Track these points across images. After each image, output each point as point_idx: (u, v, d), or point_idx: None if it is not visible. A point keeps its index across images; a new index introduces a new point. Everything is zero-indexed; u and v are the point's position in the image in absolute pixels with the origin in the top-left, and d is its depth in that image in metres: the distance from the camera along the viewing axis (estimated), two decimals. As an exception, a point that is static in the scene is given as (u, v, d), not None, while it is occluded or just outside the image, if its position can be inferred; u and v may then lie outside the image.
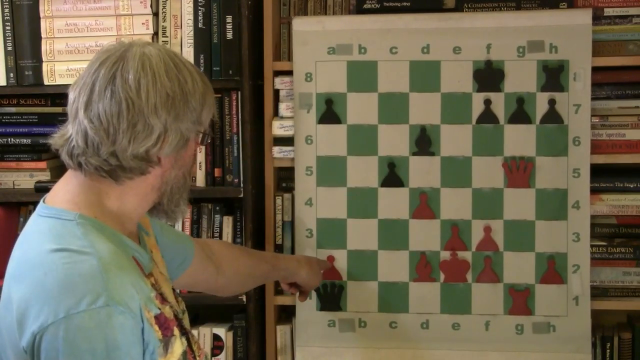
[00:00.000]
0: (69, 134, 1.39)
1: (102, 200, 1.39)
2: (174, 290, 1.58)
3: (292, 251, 2.24)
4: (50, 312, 1.26)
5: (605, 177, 2.19)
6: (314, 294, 2.23)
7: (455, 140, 2.18)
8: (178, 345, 1.41)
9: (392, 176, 2.20)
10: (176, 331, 1.41)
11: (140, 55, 1.37)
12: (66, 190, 1.41)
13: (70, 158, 1.39)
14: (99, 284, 1.28)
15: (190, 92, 1.39)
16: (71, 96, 1.39)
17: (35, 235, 1.38)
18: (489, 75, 2.16)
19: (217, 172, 2.22)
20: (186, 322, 1.55)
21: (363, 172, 2.20)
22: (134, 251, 1.42)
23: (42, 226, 1.38)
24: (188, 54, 2.17)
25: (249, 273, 1.95)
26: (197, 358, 1.51)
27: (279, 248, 2.25)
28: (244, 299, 2.20)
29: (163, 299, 1.43)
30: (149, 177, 1.40)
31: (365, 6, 2.23)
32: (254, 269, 1.96)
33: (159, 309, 1.37)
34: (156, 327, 1.35)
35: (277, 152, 2.23)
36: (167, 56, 1.39)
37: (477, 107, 2.17)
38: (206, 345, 2.23)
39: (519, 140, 2.16)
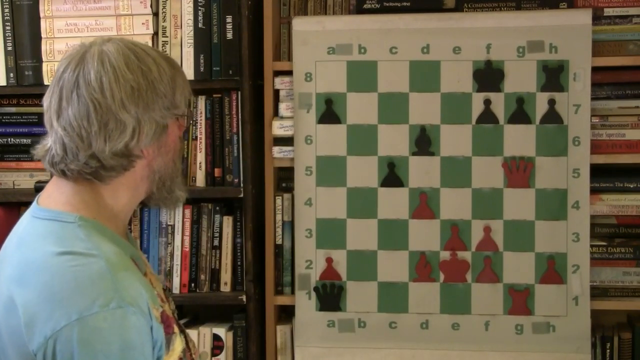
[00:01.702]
0: (48, 145, 1.40)
1: (97, 200, 1.39)
2: (164, 289, 1.59)
3: (292, 251, 2.24)
4: (62, 315, 1.27)
5: (605, 177, 2.19)
6: (313, 294, 2.23)
7: (455, 140, 2.18)
8: (179, 343, 1.42)
9: (392, 176, 2.20)
10: (176, 329, 1.42)
11: (99, 53, 1.37)
12: (60, 192, 1.40)
13: (52, 166, 1.39)
14: (109, 285, 1.29)
15: (156, 79, 1.38)
16: (45, 105, 1.40)
17: (35, 238, 1.37)
18: (489, 75, 2.16)
19: (217, 172, 2.22)
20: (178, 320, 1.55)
21: (363, 172, 2.20)
22: (131, 252, 1.42)
23: (41, 229, 1.37)
24: (188, 54, 2.18)
25: None
26: (193, 356, 1.51)
27: (278, 248, 2.25)
28: (244, 299, 2.20)
29: (161, 299, 1.44)
30: (136, 170, 1.40)
31: (365, 6, 2.23)
32: None
33: (162, 306, 1.39)
34: (161, 325, 1.36)
35: (277, 152, 2.23)
36: (127, 49, 1.38)
37: (477, 107, 2.17)
38: (206, 345, 2.23)
39: (519, 140, 2.16)
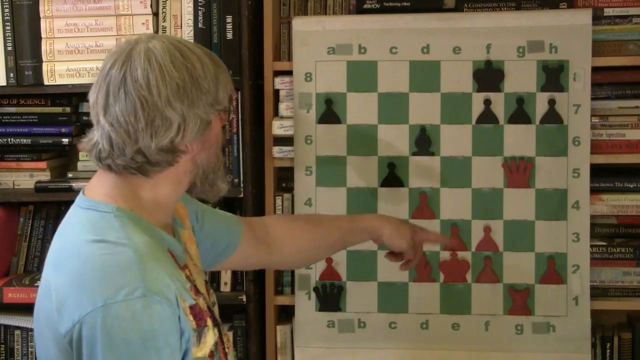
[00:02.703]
0: (95, 139, 1.43)
1: (137, 193, 1.43)
2: (206, 282, 1.62)
3: (292, 251, 2.24)
4: (89, 301, 1.30)
5: (605, 177, 2.19)
6: (313, 294, 2.23)
7: (455, 140, 2.18)
8: (211, 336, 1.44)
9: (392, 176, 2.20)
10: (209, 322, 1.45)
11: (145, 51, 1.39)
12: (102, 184, 1.45)
13: (99, 161, 1.43)
14: (136, 274, 1.32)
15: (200, 76, 1.41)
16: (91, 100, 1.43)
17: (74, 226, 1.42)
18: (488, 75, 2.16)
19: (217, 172, 2.22)
20: (217, 314, 1.58)
21: (363, 172, 2.20)
22: (169, 243, 1.46)
23: (81, 217, 1.42)
24: (188, 54, 2.17)
25: (315, 246, 1.88)
26: (227, 349, 1.53)
27: (278, 248, 2.25)
28: (244, 299, 2.20)
29: (197, 291, 1.46)
30: (179, 165, 1.43)
31: (365, 6, 2.23)
32: (321, 240, 1.88)
33: (194, 299, 1.41)
34: (190, 317, 1.38)
35: (277, 152, 2.23)
36: (172, 46, 1.41)
37: (477, 107, 2.17)
38: (206, 345, 2.23)
39: (519, 140, 2.16)
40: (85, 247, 1.36)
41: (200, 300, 1.45)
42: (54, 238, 1.46)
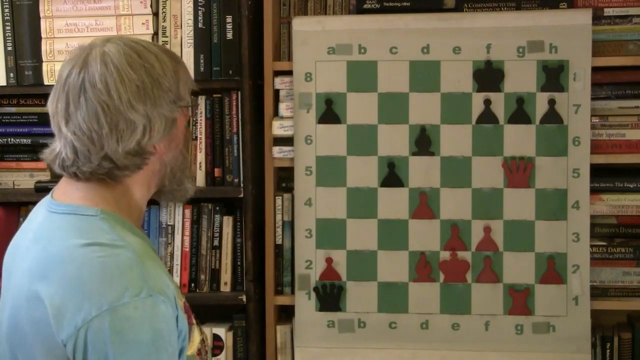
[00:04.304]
0: (57, 149, 1.40)
1: (114, 196, 1.41)
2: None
3: (292, 251, 2.23)
4: (92, 306, 1.28)
5: (605, 177, 2.19)
6: (313, 294, 2.23)
7: (455, 140, 2.18)
8: (197, 334, 1.45)
9: (392, 176, 2.20)
10: (194, 320, 1.46)
11: (101, 55, 1.37)
12: (76, 188, 1.41)
13: (63, 170, 1.40)
14: (138, 275, 1.31)
15: (160, 74, 1.39)
16: (50, 110, 1.41)
17: (55, 232, 1.38)
18: (488, 75, 2.16)
19: (217, 172, 2.22)
20: None
21: (363, 172, 2.20)
22: (145, 242, 1.43)
23: (61, 223, 1.38)
24: (188, 54, 2.17)
25: None
26: (206, 348, 1.53)
27: (278, 248, 2.25)
28: (244, 299, 2.20)
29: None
30: (148, 167, 1.42)
31: (365, 6, 2.23)
32: None
33: (183, 296, 1.43)
34: (185, 315, 1.39)
35: (277, 152, 2.23)
36: (128, 47, 1.39)
37: (477, 107, 2.17)
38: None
39: (519, 140, 2.16)
40: (78, 252, 1.33)
41: (183, 298, 1.45)
42: (29, 246, 1.40)
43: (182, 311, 1.38)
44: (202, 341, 1.49)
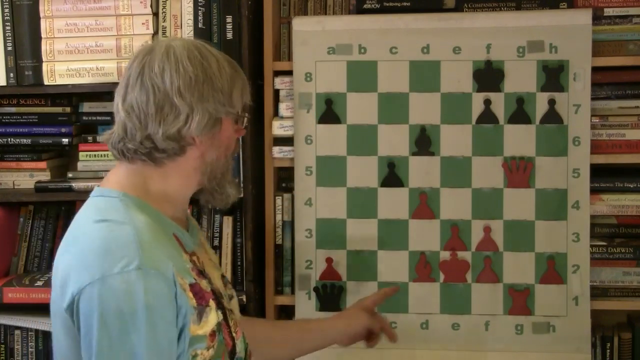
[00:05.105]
0: (113, 129, 1.53)
1: (146, 183, 1.51)
2: (223, 277, 1.68)
3: (292, 251, 2.23)
4: (88, 275, 1.38)
5: (605, 177, 2.19)
6: (313, 294, 2.23)
7: (455, 140, 2.18)
8: (213, 316, 1.50)
9: (392, 176, 2.20)
10: (212, 303, 1.50)
11: (166, 47, 1.50)
12: (115, 175, 1.54)
13: (113, 147, 1.52)
14: (133, 249, 1.39)
15: (214, 74, 1.50)
16: (115, 94, 1.53)
17: (82, 212, 1.51)
18: (488, 75, 2.16)
19: (217, 172, 2.22)
20: (234, 306, 1.64)
21: (363, 172, 2.20)
22: (175, 229, 1.52)
23: (89, 204, 1.52)
24: (188, 54, 2.17)
25: (288, 354, 1.94)
26: (235, 334, 1.57)
27: (278, 248, 2.25)
28: (244, 299, 2.20)
29: (201, 275, 1.52)
30: (189, 159, 1.51)
31: (365, 6, 2.23)
32: (294, 350, 1.93)
33: (195, 279, 1.48)
34: (190, 295, 1.45)
35: (277, 152, 2.23)
36: (192, 45, 1.51)
37: (477, 107, 2.17)
38: (206, 345, 2.23)
39: (519, 140, 2.16)
40: (89, 227, 1.44)
41: (204, 282, 1.50)
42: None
43: (184, 289, 1.43)
44: (223, 325, 1.52)
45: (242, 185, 2.20)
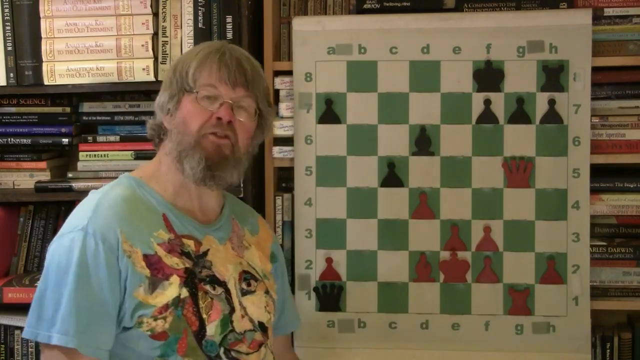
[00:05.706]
0: None
1: (156, 168, 1.66)
2: (242, 272, 1.68)
3: (292, 251, 2.23)
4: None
5: (605, 177, 2.19)
6: (313, 294, 2.23)
7: (455, 140, 2.18)
8: (172, 291, 1.54)
9: (392, 176, 2.20)
10: (175, 279, 1.55)
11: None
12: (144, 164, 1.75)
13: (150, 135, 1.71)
14: (87, 214, 1.54)
15: (181, 60, 1.66)
16: None
17: None
18: (488, 75, 2.16)
19: (217, 172, 2.22)
20: (231, 291, 1.62)
21: (363, 172, 2.20)
22: (169, 211, 1.62)
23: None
24: (188, 54, 2.17)
25: None
26: (205, 316, 1.56)
27: (278, 248, 2.25)
28: (244, 299, 2.19)
29: (180, 254, 1.58)
30: (165, 143, 1.65)
31: (365, 6, 2.23)
32: None
33: (154, 251, 1.56)
34: (142, 264, 1.54)
35: (277, 152, 2.23)
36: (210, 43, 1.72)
37: (477, 107, 2.17)
38: (206, 345, 2.23)
39: (519, 140, 2.16)
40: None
41: (173, 259, 1.56)
42: None
43: (129, 255, 1.52)
44: (189, 304, 1.54)
45: (242, 185, 2.20)
